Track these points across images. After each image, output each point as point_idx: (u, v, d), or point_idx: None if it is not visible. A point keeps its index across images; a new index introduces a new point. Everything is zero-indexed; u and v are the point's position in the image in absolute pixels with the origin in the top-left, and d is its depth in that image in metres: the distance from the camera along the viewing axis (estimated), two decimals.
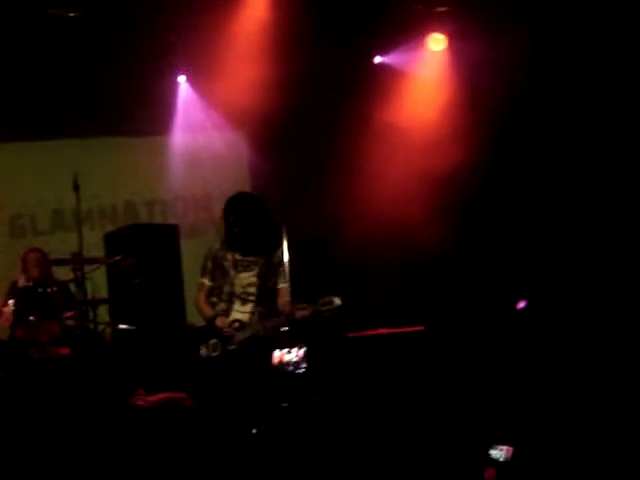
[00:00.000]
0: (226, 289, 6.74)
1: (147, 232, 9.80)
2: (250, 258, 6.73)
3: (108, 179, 10.86)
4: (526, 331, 8.85)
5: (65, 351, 8.10)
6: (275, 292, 6.78)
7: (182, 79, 11.03)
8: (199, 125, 11.11)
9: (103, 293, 9.14)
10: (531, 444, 6.53)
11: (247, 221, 6.68)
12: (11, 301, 8.31)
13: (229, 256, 6.75)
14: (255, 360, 6.68)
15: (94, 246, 9.53)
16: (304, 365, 8.59)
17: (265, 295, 6.74)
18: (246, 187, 11.31)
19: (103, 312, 8.96)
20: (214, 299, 6.79)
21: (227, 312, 6.72)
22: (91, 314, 8.49)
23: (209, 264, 6.81)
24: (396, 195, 10.42)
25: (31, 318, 8.27)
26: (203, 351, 6.68)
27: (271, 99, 10.70)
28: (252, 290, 6.72)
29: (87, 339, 8.10)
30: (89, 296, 8.51)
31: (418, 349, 9.08)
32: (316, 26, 10.52)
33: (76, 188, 8.19)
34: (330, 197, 10.80)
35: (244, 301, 6.72)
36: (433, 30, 10.62)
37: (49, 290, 8.45)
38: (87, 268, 8.65)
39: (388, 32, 10.74)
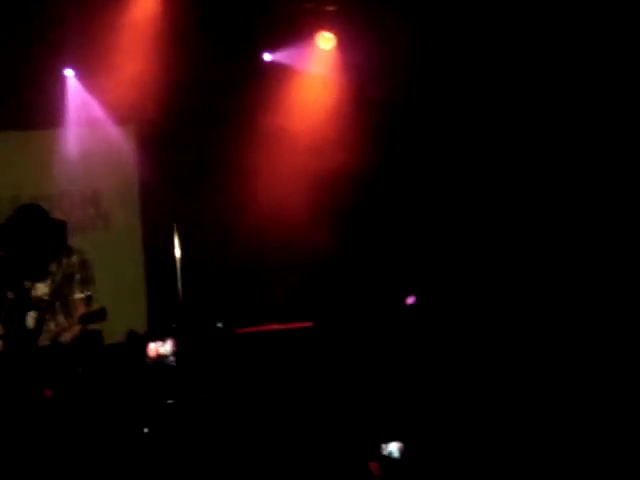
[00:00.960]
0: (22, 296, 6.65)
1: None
2: (42, 267, 6.65)
3: None
4: (414, 326, 9.02)
5: None
6: (70, 305, 6.71)
7: (70, 73, 10.89)
8: (87, 120, 10.94)
9: None
10: (420, 440, 6.68)
11: (30, 237, 6.61)
12: None
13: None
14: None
15: None
16: (173, 358, 8.62)
17: (61, 305, 6.68)
18: (134, 183, 11.29)
19: None
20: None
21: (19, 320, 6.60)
22: None
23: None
24: (285, 195, 10.51)
25: None
26: None
27: (158, 96, 10.71)
28: (47, 299, 6.66)
29: None
30: None
31: (307, 345, 9.16)
32: (204, 22, 10.52)
33: None
34: (219, 196, 10.83)
35: (39, 310, 6.64)
36: (322, 28, 10.70)
37: None
38: None
39: (277, 29, 10.78)
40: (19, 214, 6.81)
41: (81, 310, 6.61)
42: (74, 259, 6.65)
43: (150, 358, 8.53)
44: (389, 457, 6.78)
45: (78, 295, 6.66)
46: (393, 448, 6.90)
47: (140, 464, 6.36)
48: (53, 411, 6.39)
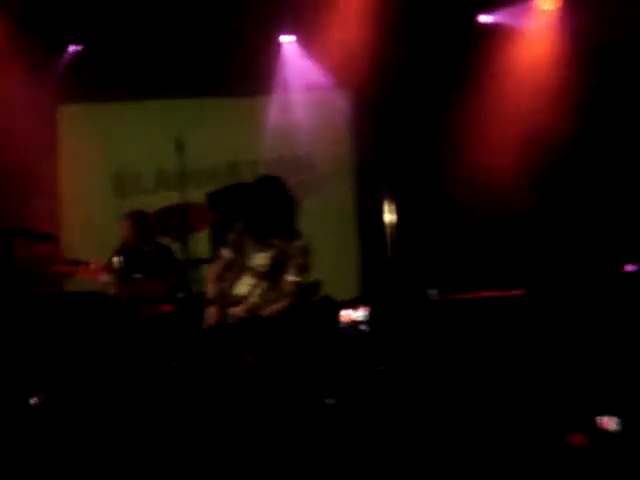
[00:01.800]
0: (240, 262, 6.77)
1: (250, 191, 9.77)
2: (269, 240, 6.70)
3: (211, 139, 10.91)
4: (634, 296, 8.64)
5: (169, 308, 8.19)
6: (280, 280, 6.77)
7: (286, 39, 11.03)
8: (303, 85, 11.10)
9: (206, 254, 9.17)
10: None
11: (264, 206, 6.67)
12: (116, 258, 8.42)
13: (249, 236, 6.77)
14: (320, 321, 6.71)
15: None
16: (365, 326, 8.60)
17: (272, 278, 6.72)
18: (348, 148, 11.32)
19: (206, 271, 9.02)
20: (227, 274, 6.83)
21: (233, 284, 6.76)
22: (195, 273, 8.55)
23: (231, 237, 6.88)
24: (498, 163, 10.29)
25: (136, 276, 8.40)
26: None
27: (374, 60, 10.67)
28: (262, 270, 6.70)
29: (190, 299, 8.14)
30: (191, 256, 8.57)
31: (520, 313, 8.94)
32: None
33: (179, 148, 8.21)
34: (431, 161, 10.73)
35: (252, 276, 6.72)
36: None
37: (152, 249, 8.56)
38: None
39: None
40: (260, 183, 6.93)
41: (287, 298, 6.69)
42: (298, 243, 6.75)
43: (342, 324, 8.55)
44: (604, 430, 6.53)
45: (290, 278, 6.73)
46: (609, 421, 6.66)
47: (322, 436, 6.32)
48: (251, 377, 6.48)
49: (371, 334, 8.33)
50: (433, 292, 9.50)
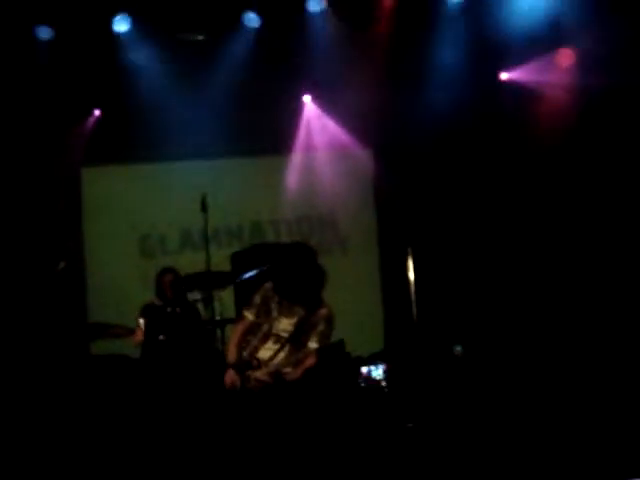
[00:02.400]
0: (265, 328, 6.75)
1: (274, 251, 9.83)
2: (294, 306, 6.72)
3: (235, 199, 11.00)
4: None
5: None
6: (304, 347, 6.77)
7: (308, 98, 11.14)
8: (323, 144, 11.17)
9: (231, 313, 9.19)
10: None
11: (296, 274, 6.69)
12: (141, 320, 8.46)
13: (277, 298, 6.76)
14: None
15: (221, 265, 9.60)
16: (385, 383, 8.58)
17: (295, 344, 6.73)
18: (371, 207, 11.34)
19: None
20: (249, 337, 6.79)
21: (256, 349, 6.73)
22: (219, 333, 8.57)
23: (257, 299, 6.84)
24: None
25: (160, 337, 8.41)
26: None
27: (399, 117, 10.76)
28: (285, 335, 6.72)
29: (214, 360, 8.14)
30: (217, 316, 8.59)
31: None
32: None
33: (204, 208, 8.26)
34: (453, 220, 10.75)
35: (275, 341, 6.73)
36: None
37: (177, 310, 8.57)
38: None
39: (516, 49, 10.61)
40: (293, 247, 7.03)
41: (309, 360, 6.72)
42: (323, 312, 6.78)
43: (362, 381, 8.55)
44: None
45: (312, 345, 6.76)
46: None
47: None
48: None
49: (390, 391, 8.31)
50: (458, 348, 9.48)
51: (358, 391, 8.58)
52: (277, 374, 6.65)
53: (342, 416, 7.10)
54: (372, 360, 8.92)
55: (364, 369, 8.75)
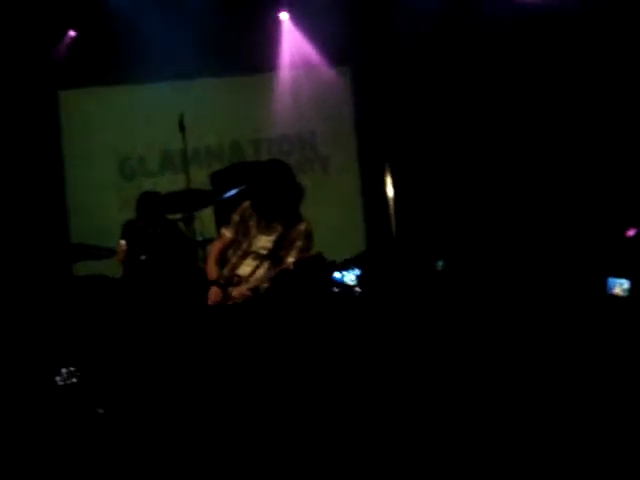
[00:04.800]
0: (244, 246, 6.77)
1: (253, 170, 9.80)
2: (272, 223, 6.76)
3: (214, 119, 10.99)
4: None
5: None
6: (282, 263, 6.77)
7: (285, 16, 11.05)
8: (303, 63, 11.12)
9: (212, 233, 9.23)
10: None
11: (273, 191, 6.70)
12: (122, 241, 8.51)
13: (255, 216, 6.79)
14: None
15: (202, 185, 9.60)
16: (358, 289, 8.60)
17: (274, 260, 6.75)
18: (350, 124, 11.34)
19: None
20: (229, 252, 6.83)
21: (235, 266, 6.76)
22: (200, 253, 8.61)
23: (236, 217, 6.84)
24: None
25: (142, 257, 8.46)
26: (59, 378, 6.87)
27: (373, 36, 10.71)
28: (264, 252, 6.76)
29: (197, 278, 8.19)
30: (197, 236, 8.62)
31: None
32: None
33: (182, 128, 8.23)
34: (431, 136, 10.75)
35: (254, 258, 6.77)
36: None
37: (159, 230, 8.61)
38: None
39: None
40: (269, 165, 6.97)
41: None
42: (301, 227, 6.77)
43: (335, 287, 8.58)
44: None
45: (291, 259, 6.78)
46: None
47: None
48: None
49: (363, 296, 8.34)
50: (440, 264, 9.54)
51: (330, 296, 8.60)
52: (256, 289, 6.70)
53: (314, 322, 7.13)
54: (346, 265, 8.91)
55: (337, 274, 8.75)
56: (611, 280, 7.92)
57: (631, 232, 8.73)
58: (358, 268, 8.53)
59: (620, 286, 7.87)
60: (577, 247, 9.51)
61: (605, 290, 7.91)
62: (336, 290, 8.47)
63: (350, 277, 8.60)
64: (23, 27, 10.12)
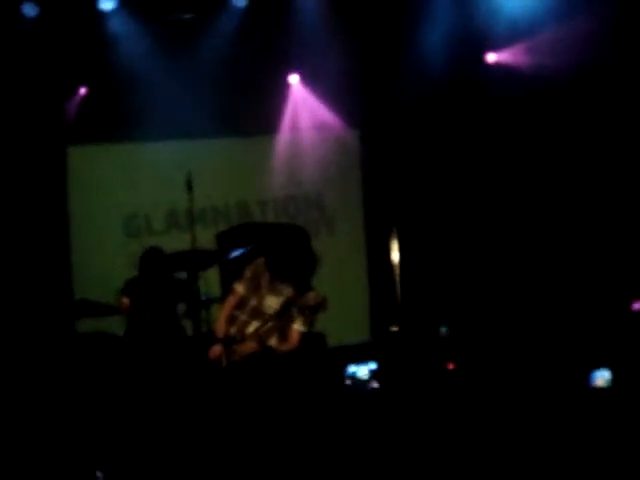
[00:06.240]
0: (252, 303, 6.73)
1: (261, 230, 9.81)
2: (283, 286, 6.73)
3: (221, 179, 11.00)
4: None
5: None
6: (286, 328, 6.74)
7: (294, 79, 11.12)
8: (311, 124, 11.17)
9: (216, 291, 9.19)
10: None
11: (291, 255, 6.69)
12: (125, 298, 8.49)
13: (267, 274, 6.76)
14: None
15: (207, 245, 9.57)
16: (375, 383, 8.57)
17: (280, 321, 6.71)
18: (358, 187, 11.36)
19: (215, 311, 9.02)
20: (237, 312, 6.77)
21: (245, 325, 6.71)
22: (204, 313, 8.56)
23: (248, 273, 6.79)
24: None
25: (146, 316, 8.44)
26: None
27: (383, 101, 10.76)
28: (270, 312, 6.72)
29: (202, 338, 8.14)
30: (202, 295, 8.58)
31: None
32: None
33: (189, 188, 8.24)
34: (440, 202, 10.76)
35: (260, 317, 6.72)
36: None
37: (161, 288, 8.59)
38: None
39: None
40: (291, 229, 7.00)
41: (294, 338, 6.71)
42: (311, 295, 6.71)
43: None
44: None
45: (297, 327, 6.73)
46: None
47: None
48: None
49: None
50: (443, 330, 9.51)
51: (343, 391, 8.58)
52: (262, 343, 6.65)
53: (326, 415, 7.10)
54: (357, 357, 8.85)
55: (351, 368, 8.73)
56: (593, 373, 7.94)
57: (637, 305, 8.71)
58: (372, 361, 8.49)
59: (602, 377, 7.87)
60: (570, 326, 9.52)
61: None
62: (349, 383, 8.43)
63: (363, 371, 8.57)
64: (35, 82, 10.17)
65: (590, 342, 8.96)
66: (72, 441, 7.19)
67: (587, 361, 8.32)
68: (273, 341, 6.69)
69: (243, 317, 6.74)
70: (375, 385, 8.60)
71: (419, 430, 7.28)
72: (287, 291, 6.71)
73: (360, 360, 8.77)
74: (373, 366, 8.67)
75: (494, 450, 6.62)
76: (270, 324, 6.67)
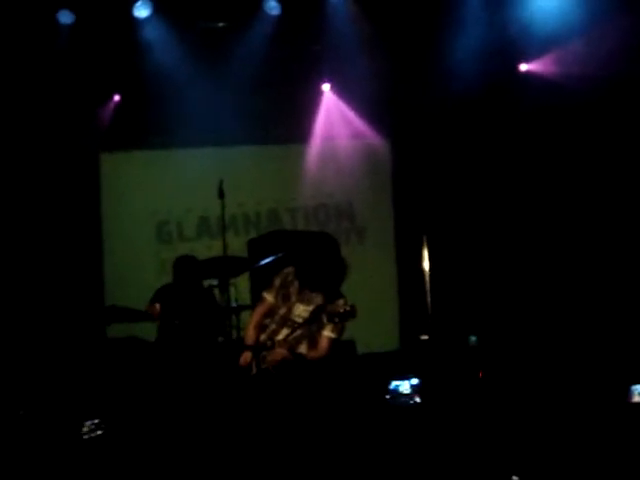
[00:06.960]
0: (281, 311, 6.72)
1: (291, 238, 9.83)
2: (313, 294, 6.73)
3: (252, 186, 11.05)
4: None
5: None
6: (316, 335, 6.73)
7: (326, 87, 11.15)
8: (342, 133, 11.19)
9: (246, 299, 9.22)
10: None
11: (321, 263, 6.69)
12: (157, 305, 8.54)
13: (296, 283, 6.76)
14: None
15: (238, 252, 9.62)
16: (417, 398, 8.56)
17: (310, 329, 6.72)
18: (388, 196, 11.36)
19: (246, 318, 9.04)
20: (267, 320, 6.78)
21: (275, 333, 6.69)
22: (234, 320, 8.59)
23: (277, 282, 6.78)
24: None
25: (176, 322, 8.46)
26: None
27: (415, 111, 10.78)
28: (300, 320, 6.72)
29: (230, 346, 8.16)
30: (232, 302, 8.61)
31: None
32: None
33: (221, 195, 8.27)
34: (471, 210, 10.75)
35: (290, 326, 6.71)
36: None
37: (193, 295, 8.62)
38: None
39: None
40: (320, 237, 7.02)
41: (324, 345, 6.72)
42: (341, 302, 6.71)
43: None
44: None
45: (327, 333, 6.74)
46: None
47: None
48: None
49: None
50: (473, 339, 9.49)
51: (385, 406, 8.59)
52: (292, 350, 6.66)
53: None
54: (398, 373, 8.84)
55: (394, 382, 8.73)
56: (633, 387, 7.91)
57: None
58: (415, 377, 8.49)
59: None
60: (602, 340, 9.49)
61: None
62: (389, 398, 8.43)
63: (405, 386, 8.56)
64: (70, 89, 10.26)
65: (629, 357, 8.92)
66: (103, 444, 7.25)
67: (626, 376, 8.28)
68: (303, 348, 6.68)
69: (273, 325, 6.75)
70: (417, 400, 8.59)
71: (462, 444, 7.27)
72: (317, 299, 6.71)
73: (400, 375, 8.77)
74: (415, 381, 8.66)
75: (530, 463, 6.61)
76: (300, 331, 6.68)
